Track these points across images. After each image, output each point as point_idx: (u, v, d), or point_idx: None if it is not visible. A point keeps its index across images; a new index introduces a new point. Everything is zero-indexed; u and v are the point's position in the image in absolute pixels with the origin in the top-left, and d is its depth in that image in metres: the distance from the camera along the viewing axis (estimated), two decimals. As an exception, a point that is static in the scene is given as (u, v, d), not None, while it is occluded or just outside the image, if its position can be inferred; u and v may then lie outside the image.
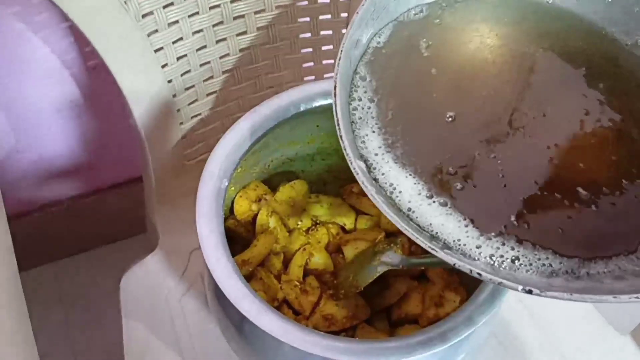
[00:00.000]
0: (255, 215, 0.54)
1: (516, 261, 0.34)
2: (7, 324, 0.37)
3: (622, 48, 0.41)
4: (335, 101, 0.36)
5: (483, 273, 0.32)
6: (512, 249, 0.34)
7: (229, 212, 0.55)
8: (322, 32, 0.62)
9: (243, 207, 0.54)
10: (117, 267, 0.63)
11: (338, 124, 0.36)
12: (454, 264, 0.32)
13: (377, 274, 0.49)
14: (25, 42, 0.66)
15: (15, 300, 0.38)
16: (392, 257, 0.49)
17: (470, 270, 0.32)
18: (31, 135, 0.77)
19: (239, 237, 0.54)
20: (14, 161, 0.79)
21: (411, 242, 0.53)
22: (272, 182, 0.57)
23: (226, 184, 0.47)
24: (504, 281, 0.31)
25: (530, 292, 0.31)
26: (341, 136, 0.36)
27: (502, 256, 0.34)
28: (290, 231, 0.55)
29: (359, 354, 0.39)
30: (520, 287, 0.31)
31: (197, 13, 0.55)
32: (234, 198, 0.55)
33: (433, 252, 0.33)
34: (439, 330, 0.40)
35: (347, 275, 0.52)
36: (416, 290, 0.52)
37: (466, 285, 0.50)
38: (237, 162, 0.49)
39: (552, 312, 0.60)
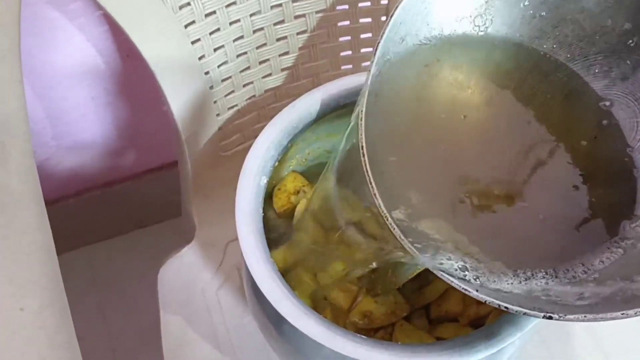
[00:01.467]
0: (294, 208, 0.53)
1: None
2: (50, 324, 0.37)
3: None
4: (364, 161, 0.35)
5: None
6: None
7: (267, 203, 0.54)
8: (361, 20, 0.60)
9: (282, 200, 0.53)
10: (151, 252, 0.63)
11: (371, 183, 0.35)
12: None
13: (417, 271, 0.48)
14: (60, 30, 0.66)
15: (57, 300, 0.38)
16: None
17: (499, 305, 0.34)
18: (66, 123, 0.77)
19: (277, 228, 0.54)
20: (49, 148, 0.79)
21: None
22: (311, 172, 0.56)
23: (265, 180, 0.46)
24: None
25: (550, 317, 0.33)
26: (375, 194, 0.34)
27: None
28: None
29: (399, 358, 0.39)
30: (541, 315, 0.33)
31: (235, 3, 0.53)
32: (272, 190, 0.54)
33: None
34: (483, 337, 0.39)
35: (385, 271, 0.51)
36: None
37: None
38: (275, 158, 0.48)
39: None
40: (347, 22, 0.60)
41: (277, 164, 0.49)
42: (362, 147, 0.35)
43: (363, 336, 0.40)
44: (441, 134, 0.40)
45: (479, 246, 0.37)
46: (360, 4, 0.59)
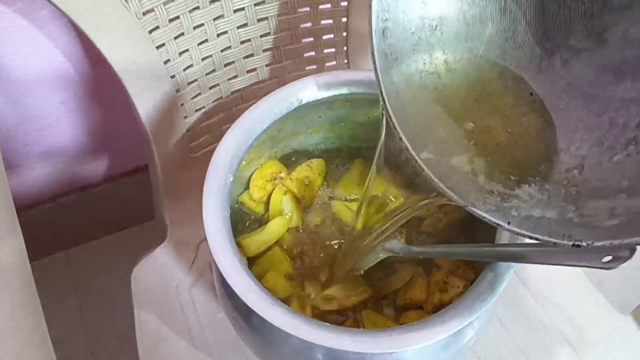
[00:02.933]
0: (270, 194, 0.55)
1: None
2: (24, 325, 0.38)
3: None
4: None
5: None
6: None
7: (245, 187, 0.56)
8: (322, 22, 0.62)
9: (258, 186, 0.55)
10: (128, 254, 0.64)
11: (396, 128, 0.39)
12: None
13: (378, 259, 0.50)
14: (29, 37, 0.66)
15: (30, 301, 0.39)
16: (394, 245, 0.50)
17: (530, 237, 0.35)
18: (39, 129, 0.78)
19: (253, 213, 0.56)
20: (23, 154, 0.80)
21: (413, 231, 0.55)
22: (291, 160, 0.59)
23: (231, 179, 0.48)
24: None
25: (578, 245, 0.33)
26: (400, 137, 0.38)
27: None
28: (305, 210, 0.56)
29: (364, 344, 0.41)
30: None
31: (198, 8, 0.55)
32: (251, 176, 0.56)
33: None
34: (440, 320, 0.41)
35: (342, 260, 0.53)
36: (421, 276, 0.53)
37: (472, 270, 0.51)
38: (241, 157, 0.50)
39: (555, 294, 0.61)
40: (309, 24, 0.62)
41: (243, 162, 0.51)
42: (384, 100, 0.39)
43: (328, 324, 0.42)
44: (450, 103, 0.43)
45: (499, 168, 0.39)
46: (321, 6, 0.61)
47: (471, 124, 0.41)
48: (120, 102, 0.79)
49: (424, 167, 0.38)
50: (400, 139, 0.38)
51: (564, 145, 0.39)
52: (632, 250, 0.34)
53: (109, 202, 0.93)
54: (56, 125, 0.78)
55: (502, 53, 0.42)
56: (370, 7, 0.39)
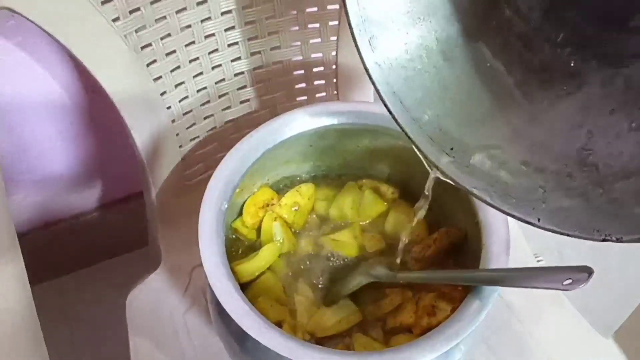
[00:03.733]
0: (261, 221, 0.57)
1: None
2: (24, 346, 0.39)
3: None
4: None
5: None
6: None
7: (239, 214, 0.58)
8: (312, 55, 0.64)
9: (250, 213, 0.57)
10: (121, 281, 0.65)
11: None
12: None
13: (361, 284, 0.53)
14: (27, 69, 0.68)
15: (31, 325, 0.41)
16: (378, 271, 0.52)
17: (561, 233, 0.34)
18: (33, 157, 0.79)
19: (246, 239, 0.57)
20: (17, 182, 0.81)
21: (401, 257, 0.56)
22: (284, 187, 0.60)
23: (225, 206, 0.50)
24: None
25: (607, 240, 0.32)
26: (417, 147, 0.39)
27: None
28: (297, 235, 0.58)
29: (353, 364, 0.42)
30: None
31: (193, 42, 0.57)
32: (244, 203, 0.57)
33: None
34: (427, 341, 0.43)
35: (333, 285, 0.55)
36: (410, 300, 0.54)
37: (460, 294, 0.52)
38: (236, 184, 0.51)
39: (540, 318, 0.63)
40: (300, 57, 0.64)
41: (237, 190, 0.52)
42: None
43: (320, 346, 0.43)
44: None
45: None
46: (311, 40, 0.63)
47: (481, 112, 0.40)
48: (113, 131, 0.80)
49: (447, 173, 0.38)
50: (418, 148, 0.39)
51: (579, 120, 0.37)
52: (590, 274, 0.37)
53: (101, 229, 0.94)
54: (51, 153, 0.80)
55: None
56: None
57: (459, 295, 0.53)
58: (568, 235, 0.34)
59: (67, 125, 0.77)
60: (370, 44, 0.38)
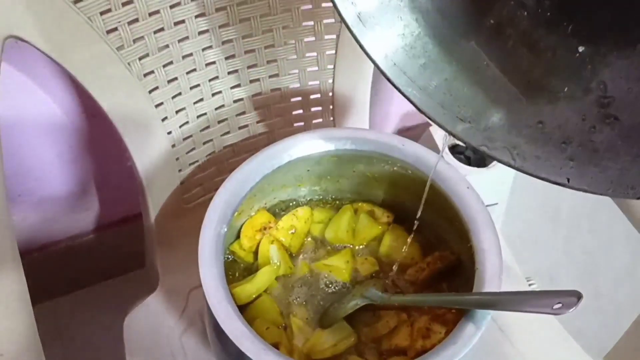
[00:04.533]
0: (258, 244, 0.58)
1: None
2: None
3: None
4: None
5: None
6: None
7: (237, 237, 0.59)
8: (310, 83, 0.66)
9: (248, 236, 0.58)
10: (117, 303, 0.66)
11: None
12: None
13: (356, 307, 0.54)
14: (29, 93, 0.70)
15: (33, 346, 0.41)
16: (371, 293, 0.53)
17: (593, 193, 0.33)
18: (33, 180, 0.80)
19: (243, 262, 0.58)
20: (15, 204, 0.82)
21: (395, 280, 0.58)
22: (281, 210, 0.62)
23: (225, 229, 0.51)
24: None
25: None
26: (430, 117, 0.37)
27: None
28: (293, 257, 0.59)
29: (350, 387, 0.43)
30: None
31: (195, 70, 0.59)
32: (241, 226, 0.58)
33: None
34: (423, 361, 0.44)
35: (329, 306, 0.56)
36: (405, 323, 0.55)
37: (452, 317, 0.54)
38: (234, 209, 0.53)
39: (532, 341, 0.64)
40: (297, 85, 0.66)
41: (236, 214, 0.54)
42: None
43: (316, 367, 0.44)
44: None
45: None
46: (308, 69, 0.65)
47: (490, 63, 0.37)
48: (111, 154, 0.82)
49: (465, 140, 0.36)
50: (431, 119, 0.36)
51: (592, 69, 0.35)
52: (579, 298, 0.38)
53: (98, 251, 0.94)
54: (50, 176, 0.81)
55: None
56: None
57: (452, 318, 0.54)
58: (601, 194, 0.32)
59: (67, 147, 0.78)
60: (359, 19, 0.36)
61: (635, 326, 0.61)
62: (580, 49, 0.35)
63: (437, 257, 0.58)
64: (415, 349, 0.53)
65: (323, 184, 0.61)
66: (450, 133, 0.37)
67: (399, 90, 0.36)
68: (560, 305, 0.40)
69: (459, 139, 0.37)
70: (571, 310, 0.39)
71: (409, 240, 0.58)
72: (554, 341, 0.64)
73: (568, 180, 0.34)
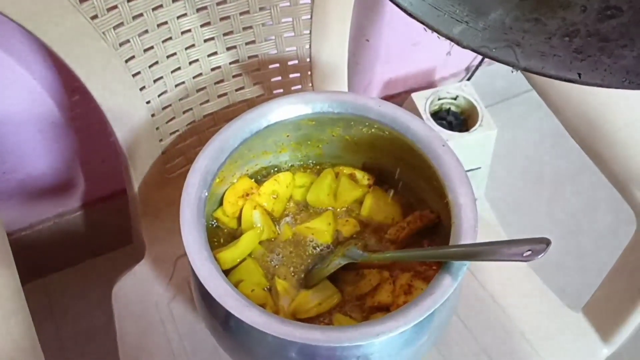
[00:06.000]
0: (240, 210, 0.59)
1: None
2: (15, 331, 0.41)
3: None
4: None
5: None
6: None
7: (220, 204, 0.59)
8: (287, 49, 0.67)
9: (231, 202, 0.59)
10: (106, 279, 0.66)
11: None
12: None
13: (339, 266, 0.55)
14: (7, 69, 0.70)
15: (20, 310, 0.42)
16: (352, 252, 0.55)
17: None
18: (16, 157, 0.80)
19: (226, 228, 0.59)
20: (0, 182, 0.82)
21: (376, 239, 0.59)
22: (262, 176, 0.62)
23: (206, 194, 0.52)
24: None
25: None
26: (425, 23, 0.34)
27: None
28: (276, 222, 0.60)
29: (332, 338, 0.44)
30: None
31: (170, 38, 0.59)
32: (224, 193, 0.59)
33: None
34: (401, 314, 0.45)
35: (312, 266, 0.57)
36: (387, 280, 0.56)
37: (433, 274, 0.55)
38: (215, 173, 0.53)
39: (512, 295, 0.65)
40: (274, 51, 0.66)
41: (217, 179, 0.54)
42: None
43: (299, 322, 0.45)
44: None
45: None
46: (285, 35, 0.65)
47: None
48: (95, 130, 0.82)
49: (464, 42, 0.34)
50: (424, 24, 0.34)
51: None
52: (547, 244, 0.39)
53: (86, 227, 0.95)
54: (33, 153, 0.81)
55: None
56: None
57: (433, 274, 0.55)
58: (617, 87, 0.31)
59: (48, 124, 0.79)
60: None
61: (611, 276, 0.63)
62: None
63: (417, 217, 0.59)
64: (397, 305, 0.54)
65: (303, 149, 0.62)
66: (447, 37, 0.34)
67: None
68: (529, 252, 0.41)
69: (457, 43, 0.34)
70: (540, 256, 0.41)
71: (389, 199, 0.59)
72: (534, 295, 0.66)
73: (579, 76, 0.32)
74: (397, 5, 0.34)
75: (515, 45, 0.33)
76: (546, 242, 0.41)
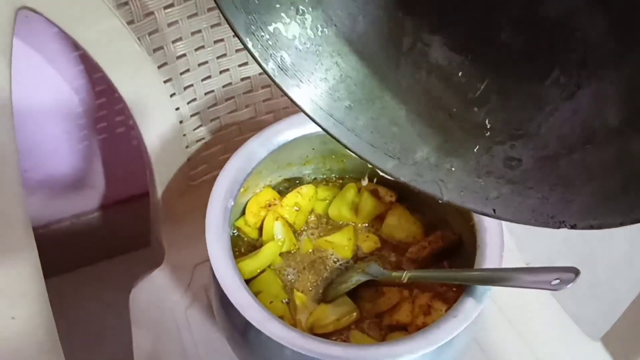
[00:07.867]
0: (262, 220, 0.59)
1: None
2: (40, 332, 0.41)
3: None
4: None
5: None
6: None
7: (242, 213, 0.60)
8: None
9: (253, 212, 0.59)
10: (119, 282, 0.67)
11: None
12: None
13: (358, 282, 0.55)
14: (38, 69, 0.70)
15: (44, 311, 0.42)
16: (373, 270, 0.55)
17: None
18: (38, 156, 0.81)
19: (247, 237, 0.59)
20: (22, 180, 0.82)
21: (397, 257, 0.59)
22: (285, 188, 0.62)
23: (232, 203, 0.52)
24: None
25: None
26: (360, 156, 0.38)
27: None
28: (296, 234, 0.60)
29: (353, 356, 0.44)
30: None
31: (203, 47, 0.60)
32: (247, 203, 0.60)
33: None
34: (423, 336, 0.45)
35: (331, 281, 0.57)
36: (407, 300, 0.56)
37: (453, 295, 0.54)
38: (240, 184, 0.54)
39: (530, 320, 0.65)
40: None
41: (242, 189, 0.54)
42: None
43: (319, 337, 0.45)
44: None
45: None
46: (316, 48, 0.65)
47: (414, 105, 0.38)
48: (118, 133, 0.82)
49: (396, 176, 0.37)
50: (362, 158, 0.38)
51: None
52: (576, 274, 0.39)
53: (102, 229, 0.95)
54: (55, 153, 0.82)
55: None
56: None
57: (453, 296, 0.55)
58: (525, 223, 0.33)
59: (74, 126, 0.79)
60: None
61: (633, 307, 0.62)
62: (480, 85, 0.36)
63: (439, 236, 0.58)
64: (416, 325, 0.54)
65: (328, 163, 0.62)
66: (381, 171, 0.38)
67: (328, 133, 0.38)
68: (558, 280, 0.41)
69: (390, 176, 0.38)
70: (569, 285, 0.40)
71: (411, 217, 0.59)
72: (552, 322, 0.65)
73: (494, 211, 0.35)
74: (339, 142, 0.38)
75: (440, 180, 0.37)
76: (575, 272, 0.40)
